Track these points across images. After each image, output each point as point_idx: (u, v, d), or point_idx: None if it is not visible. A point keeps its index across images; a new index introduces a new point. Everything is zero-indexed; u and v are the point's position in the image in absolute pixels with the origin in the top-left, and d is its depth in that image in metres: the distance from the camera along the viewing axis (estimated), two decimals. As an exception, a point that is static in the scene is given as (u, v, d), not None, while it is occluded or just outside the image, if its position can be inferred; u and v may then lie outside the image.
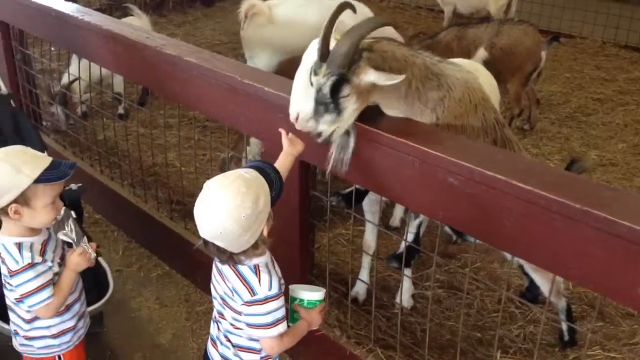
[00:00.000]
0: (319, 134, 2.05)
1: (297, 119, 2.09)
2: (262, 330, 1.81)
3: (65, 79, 4.27)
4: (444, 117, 2.16)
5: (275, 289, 1.79)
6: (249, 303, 1.78)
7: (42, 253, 1.98)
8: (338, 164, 2.17)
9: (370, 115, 2.21)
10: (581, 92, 5.71)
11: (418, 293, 3.11)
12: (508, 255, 2.30)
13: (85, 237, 2.11)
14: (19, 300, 1.99)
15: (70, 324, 2.10)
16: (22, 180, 1.85)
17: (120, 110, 4.94)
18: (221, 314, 1.91)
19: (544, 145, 4.71)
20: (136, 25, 3.87)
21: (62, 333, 2.10)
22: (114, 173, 3.88)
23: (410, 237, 2.75)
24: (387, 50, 2.04)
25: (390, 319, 2.88)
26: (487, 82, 3.14)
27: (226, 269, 1.83)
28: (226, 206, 1.66)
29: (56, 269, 2.01)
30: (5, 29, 4.14)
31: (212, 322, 2.01)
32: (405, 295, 2.97)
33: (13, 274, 1.93)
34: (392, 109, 2.18)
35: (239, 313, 1.83)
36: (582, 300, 3.07)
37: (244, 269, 1.79)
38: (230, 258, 1.76)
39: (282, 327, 1.83)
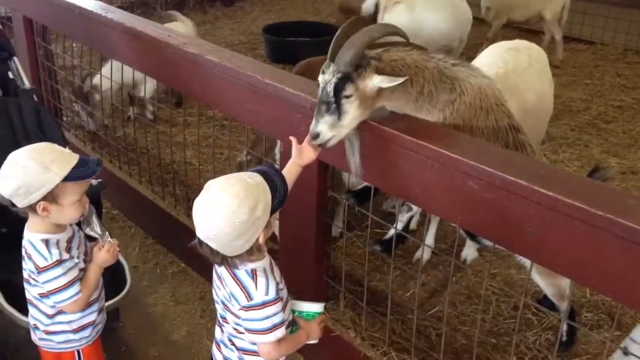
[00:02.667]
0: (317, 135, 2.04)
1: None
2: (259, 335, 1.80)
3: (96, 80, 4.22)
4: (452, 119, 2.17)
5: (272, 294, 1.77)
6: (246, 308, 1.77)
7: (68, 249, 2.01)
8: (352, 167, 2.19)
9: (388, 117, 2.21)
10: (601, 99, 5.65)
11: (434, 298, 3.10)
12: (526, 261, 2.29)
13: (107, 233, 2.13)
14: (44, 295, 2.01)
15: (91, 318, 2.12)
16: (50, 178, 1.87)
17: (150, 116, 4.83)
18: (224, 318, 1.91)
19: (563, 152, 4.67)
20: (179, 31, 3.75)
21: (83, 328, 2.11)
22: (133, 170, 3.91)
23: (400, 225, 2.78)
24: (396, 59, 2.06)
25: (405, 322, 2.87)
26: (537, 58, 3.29)
27: (225, 273, 1.82)
28: (222, 209, 1.66)
29: (82, 265, 2.04)
30: (29, 24, 4.19)
31: (216, 325, 2.00)
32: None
33: (41, 270, 1.94)
34: (400, 111, 2.20)
35: (239, 317, 1.82)
36: (599, 309, 3.03)
37: (241, 274, 1.78)
38: (225, 261, 1.75)
39: (279, 332, 1.81)
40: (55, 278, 1.95)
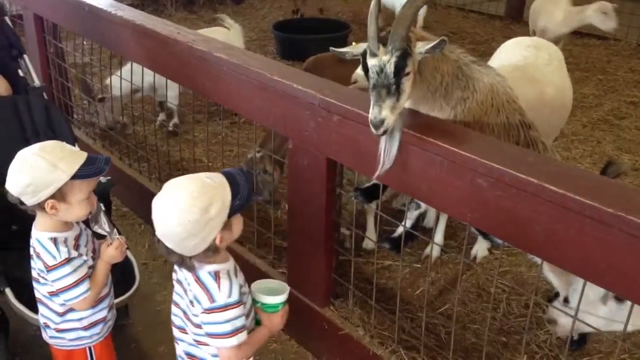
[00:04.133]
0: (382, 122, 1.90)
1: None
2: (220, 339, 1.77)
3: (114, 82, 4.21)
4: (463, 116, 2.16)
5: (234, 297, 1.75)
6: (209, 310, 1.75)
7: (76, 247, 2.01)
8: (385, 160, 2.08)
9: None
10: (614, 95, 5.59)
11: (443, 296, 3.08)
12: (537, 259, 2.27)
13: (115, 230, 2.14)
14: (54, 294, 2.01)
15: (101, 315, 2.13)
16: (59, 176, 1.87)
17: (170, 127, 4.67)
18: (182, 330, 1.88)
19: (575, 149, 4.63)
20: (219, 37, 3.57)
21: (93, 325, 2.12)
22: (143, 167, 3.92)
23: (409, 223, 2.77)
24: (425, 36, 2.03)
25: (414, 320, 2.85)
26: (557, 57, 3.35)
27: (188, 276, 1.79)
28: (173, 207, 1.65)
29: (90, 262, 2.04)
30: (40, 22, 4.21)
31: (174, 343, 1.97)
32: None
33: (50, 268, 1.95)
34: (413, 104, 2.17)
35: (199, 326, 1.79)
36: (611, 307, 3.00)
37: (204, 276, 1.76)
38: (182, 261, 1.73)
39: (242, 336, 1.79)
40: (64, 276, 1.95)
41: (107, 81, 4.28)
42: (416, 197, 2.42)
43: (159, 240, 1.72)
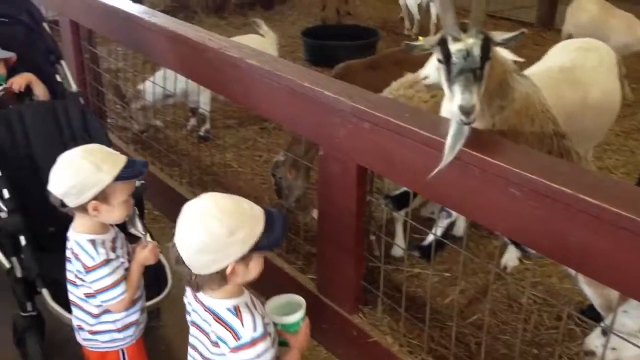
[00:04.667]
0: (473, 107, 1.82)
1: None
2: None
3: (147, 87, 4.28)
4: (499, 125, 2.14)
5: (259, 330, 1.66)
6: (236, 349, 1.65)
7: (113, 249, 2.05)
8: (449, 155, 1.98)
9: (428, 122, 2.20)
10: (649, 104, 5.49)
11: (473, 305, 3.06)
12: (571, 271, 2.24)
13: (147, 234, 2.17)
14: (91, 295, 2.05)
15: (135, 317, 2.16)
16: (102, 178, 1.92)
17: (202, 132, 4.62)
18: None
19: (608, 158, 4.55)
20: (254, 44, 3.55)
21: (127, 327, 2.15)
22: (174, 171, 3.97)
23: (439, 231, 2.72)
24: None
25: (443, 329, 2.83)
26: (608, 59, 3.34)
27: (206, 316, 1.71)
28: (202, 214, 1.60)
29: (127, 264, 2.08)
30: (75, 28, 4.30)
31: None
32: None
33: (89, 269, 1.99)
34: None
35: None
36: (646, 320, 2.94)
37: (224, 313, 1.67)
38: (189, 277, 1.64)
39: None
40: (102, 277, 1.99)
41: (141, 86, 4.36)
42: (448, 205, 2.42)
43: (173, 245, 1.64)
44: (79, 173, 1.91)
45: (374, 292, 2.74)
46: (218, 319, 1.68)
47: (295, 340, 1.83)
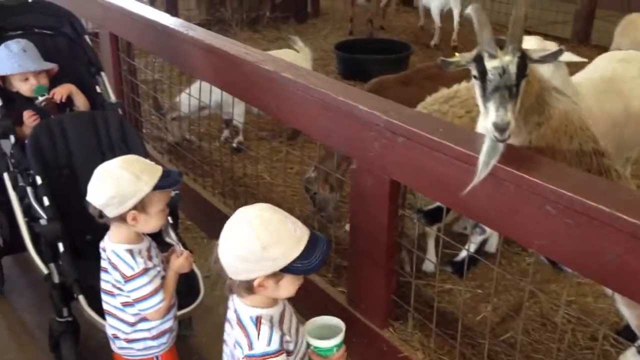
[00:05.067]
0: (508, 124, 1.82)
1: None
2: None
3: (183, 99, 4.36)
4: (536, 142, 2.12)
5: (274, 346, 1.68)
6: (247, 358, 1.69)
7: (149, 258, 2.09)
8: (483, 171, 1.98)
9: (462, 137, 2.19)
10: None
11: (505, 323, 3.02)
12: (607, 290, 2.20)
13: (180, 244, 2.21)
14: (129, 304, 2.08)
15: (169, 325, 2.19)
16: (142, 187, 1.97)
17: (235, 144, 4.70)
18: None
19: (646, 176, 4.46)
20: (289, 59, 3.52)
21: (162, 334, 2.18)
22: (207, 182, 4.02)
23: (472, 247, 2.73)
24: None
25: (475, 346, 2.80)
26: None
27: (232, 317, 1.76)
28: (247, 223, 1.64)
29: (163, 273, 2.12)
30: (115, 40, 4.40)
31: None
32: None
33: (128, 279, 2.02)
34: None
35: None
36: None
37: (246, 320, 1.72)
38: (225, 278, 1.69)
39: None
40: (141, 286, 2.02)
41: (177, 99, 4.43)
42: (482, 221, 2.40)
43: (217, 245, 1.70)
44: (119, 184, 1.95)
45: (404, 306, 2.73)
46: (240, 323, 1.73)
47: None
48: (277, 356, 1.69)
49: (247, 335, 1.71)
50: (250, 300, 1.74)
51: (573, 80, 3.41)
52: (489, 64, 1.88)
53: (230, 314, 1.80)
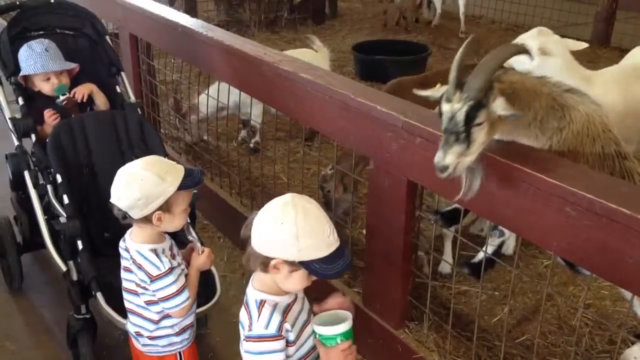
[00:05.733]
0: (445, 168, 1.92)
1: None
2: None
3: (202, 100, 4.36)
4: (558, 146, 2.10)
5: (272, 330, 1.70)
6: (247, 338, 1.73)
7: (172, 257, 2.11)
8: (467, 193, 2.06)
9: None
10: None
11: (522, 326, 3.00)
12: (626, 294, 2.18)
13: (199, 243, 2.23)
14: (153, 302, 2.09)
15: (190, 320, 2.22)
16: (167, 188, 1.99)
17: (252, 144, 4.73)
18: None
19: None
20: (307, 58, 3.59)
21: (184, 330, 2.21)
22: (224, 182, 4.04)
23: (490, 249, 2.72)
24: (516, 81, 2.01)
25: (490, 348, 2.79)
26: None
27: (245, 299, 1.81)
28: (292, 205, 1.66)
29: (186, 271, 2.14)
30: (134, 41, 4.45)
31: None
32: None
33: (154, 278, 2.04)
34: (507, 136, 2.12)
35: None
36: None
37: (251, 302, 1.77)
38: (248, 246, 1.73)
39: None
40: (167, 285, 2.04)
41: (196, 100, 4.46)
42: (500, 223, 2.39)
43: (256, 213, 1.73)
44: (144, 185, 1.96)
45: (420, 307, 2.72)
46: (246, 305, 1.78)
47: (326, 355, 1.78)
48: (273, 340, 1.71)
49: (250, 316, 1.75)
50: (260, 284, 1.78)
51: (607, 69, 3.69)
52: (442, 107, 1.94)
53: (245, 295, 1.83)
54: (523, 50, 2.07)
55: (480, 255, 3.02)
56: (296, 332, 1.78)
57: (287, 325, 1.74)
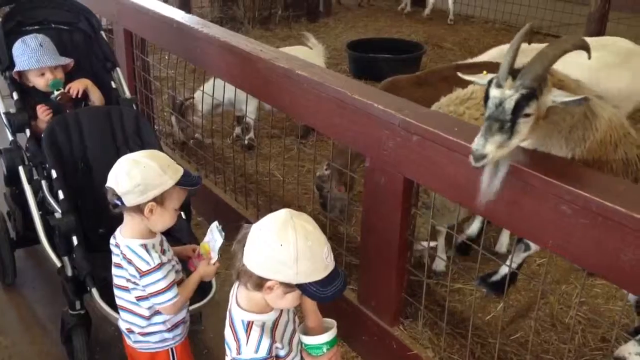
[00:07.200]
0: (483, 156, 1.80)
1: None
2: None
3: (198, 97, 4.38)
4: (580, 156, 2.05)
5: (262, 353, 1.67)
6: None
7: (162, 252, 2.11)
8: (486, 193, 1.97)
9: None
10: None
11: (515, 323, 3.01)
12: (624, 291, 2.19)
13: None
14: (144, 298, 2.09)
15: (182, 316, 2.22)
16: (166, 180, 2.00)
17: (245, 141, 4.72)
18: None
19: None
20: (301, 55, 3.59)
21: (176, 326, 2.20)
22: (218, 178, 4.03)
23: (514, 266, 2.67)
24: (563, 79, 1.96)
25: (484, 345, 2.80)
26: None
27: (228, 317, 1.76)
28: (292, 224, 1.60)
29: (178, 267, 2.15)
30: (129, 37, 4.43)
31: None
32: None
33: (144, 274, 2.03)
34: (534, 142, 2.06)
35: None
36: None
37: (237, 323, 1.72)
38: (239, 262, 1.66)
39: None
40: (157, 281, 2.04)
41: (193, 100, 4.45)
42: (492, 219, 2.39)
43: (247, 227, 1.66)
44: (146, 172, 1.97)
45: (415, 305, 2.73)
46: (232, 325, 1.74)
47: None
48: None
49: (237, 339, 1.70)
50: (247, 302, 1.72)
51: None
52: (491, 91, 1.85)
53: (229, 311, 1.79)
54: (584, 45, 1.90)
55: (503, 271, 3.03)
56: (286, 345, 1.78)
57: (277, 345, 1.73)
